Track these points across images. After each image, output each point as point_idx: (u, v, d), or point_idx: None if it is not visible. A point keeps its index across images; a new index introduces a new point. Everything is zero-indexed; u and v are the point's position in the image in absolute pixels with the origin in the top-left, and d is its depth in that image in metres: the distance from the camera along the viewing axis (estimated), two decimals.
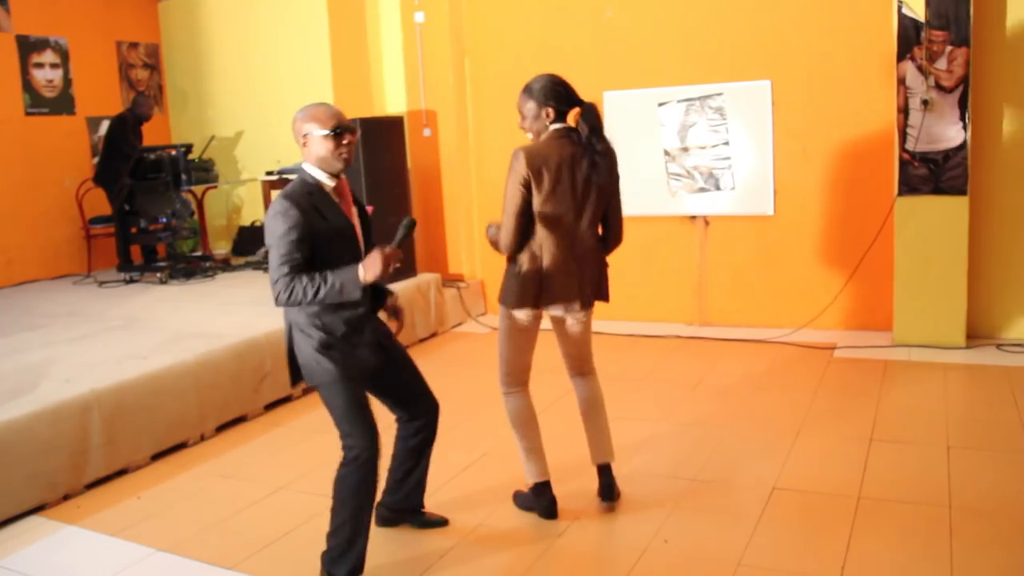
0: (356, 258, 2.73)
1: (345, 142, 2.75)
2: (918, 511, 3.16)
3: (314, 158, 2.77)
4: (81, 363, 4.34)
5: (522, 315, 3.19)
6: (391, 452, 3.14)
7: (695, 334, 6.01)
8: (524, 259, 3.14)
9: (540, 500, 3.31)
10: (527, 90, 3.13)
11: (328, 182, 2.79)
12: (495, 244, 3.20)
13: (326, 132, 2.73)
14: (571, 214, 3.11)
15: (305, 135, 2.76)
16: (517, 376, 3.30)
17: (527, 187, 3.06)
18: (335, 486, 2.82)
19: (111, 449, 3.89)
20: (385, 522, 3.28)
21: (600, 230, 3.26)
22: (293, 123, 2.80)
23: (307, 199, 2.70)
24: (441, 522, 3.30)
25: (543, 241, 3.12)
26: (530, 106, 3.12)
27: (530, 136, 3.17)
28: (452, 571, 2.95)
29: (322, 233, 2.70)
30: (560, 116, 3.12)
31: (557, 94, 3.10)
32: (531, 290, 3.14)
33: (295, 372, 2.87)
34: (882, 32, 5.37)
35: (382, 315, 3.05)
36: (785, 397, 4.55)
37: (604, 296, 3.31)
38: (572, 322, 3.28)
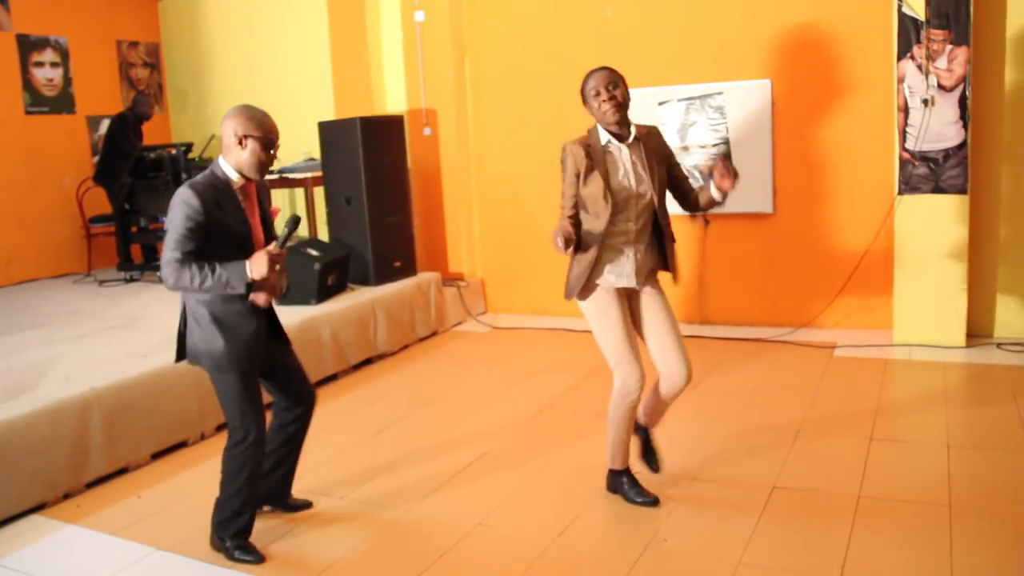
0: (248, 255, 2.84)
1: (271, 153, 2.89)
2: (918, 511, 3.16)
3: (233, 159, 2.88)
4: (81, 362, 4.34)
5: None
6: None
7: (695, 333, 6.00)
8: None
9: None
10: None
11: (236, 180, 2.91)
12: None
13: (256, 137, 2.85)
14: None
15: (235, 136, 2.86)
16: None
17: None
18: (223, 463, 3.03)
19: (111, 448, 3.89)
20: None
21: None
22: (224, 118, 2.89)
23: (211, 192, 2.84)
24: (305, 504, 3.41)
25: None
26: None
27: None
28: (452, 570, 2.95)
29: (218, 227, 2.83)
30: None
31: None
32: None
33: (180, 351, 3.01)
34: (882, 31, 5.37)
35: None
36: (785, 397, 4.55)
37: None
38: None
